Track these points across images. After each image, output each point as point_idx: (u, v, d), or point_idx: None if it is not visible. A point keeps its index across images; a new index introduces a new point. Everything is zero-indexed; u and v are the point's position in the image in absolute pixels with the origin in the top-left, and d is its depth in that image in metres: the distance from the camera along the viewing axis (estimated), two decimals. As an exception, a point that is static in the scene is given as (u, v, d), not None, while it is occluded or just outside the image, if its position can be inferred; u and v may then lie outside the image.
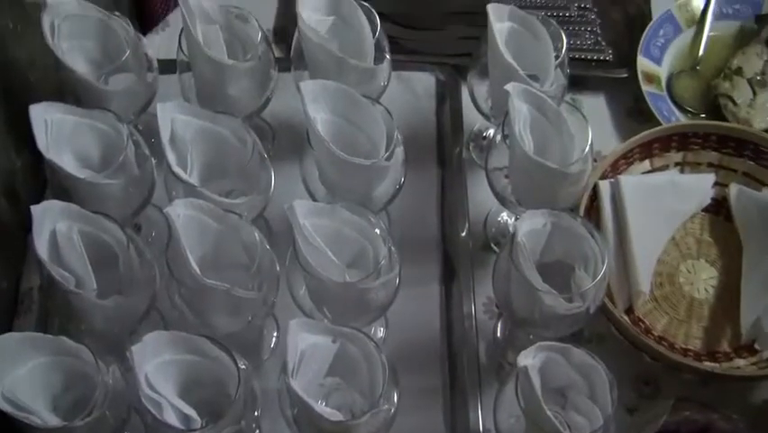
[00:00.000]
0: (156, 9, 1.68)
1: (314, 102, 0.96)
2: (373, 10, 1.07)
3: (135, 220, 1.12)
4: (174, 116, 0.98)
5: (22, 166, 1.19)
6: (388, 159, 0.96)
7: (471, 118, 1.21)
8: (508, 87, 0.96)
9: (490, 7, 1.04)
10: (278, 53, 1.27)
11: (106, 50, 1.10)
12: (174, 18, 1.36)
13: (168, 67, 1.13)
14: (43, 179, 1.16)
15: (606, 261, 0.92)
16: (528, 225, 0.92)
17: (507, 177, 1.06)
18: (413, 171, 1.06)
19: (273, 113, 1.19)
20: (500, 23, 1.04)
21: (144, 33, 1.39)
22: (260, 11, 1.33)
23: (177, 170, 0.96)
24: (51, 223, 0.94)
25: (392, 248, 0.94)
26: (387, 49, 1.08)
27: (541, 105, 0.99)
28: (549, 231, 0.95)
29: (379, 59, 1.08)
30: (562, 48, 1.07)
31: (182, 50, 1.08)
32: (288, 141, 1.20)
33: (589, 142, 0.99)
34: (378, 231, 0.93)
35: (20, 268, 1.18)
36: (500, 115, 1.04)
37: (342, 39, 1.06)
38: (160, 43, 1.33)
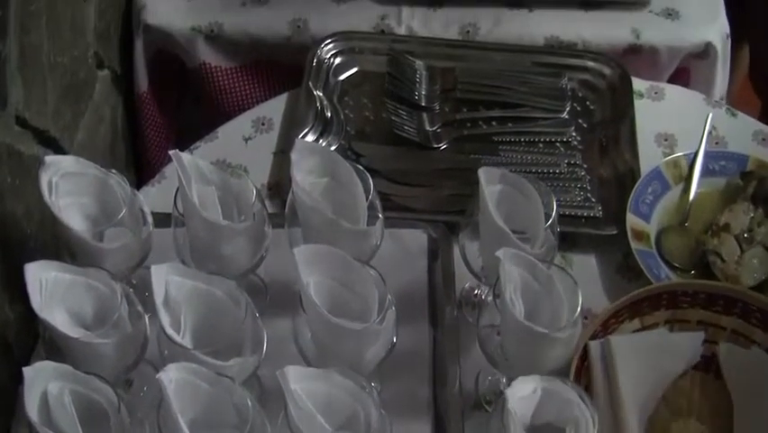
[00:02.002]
0: (152, 159, 1.73)
1: (307, 266, 0.98)
2: (367, 173, 1.09)
3: (127, 376, 1.12)
4: (168, 278, 0.99)
5: (15, 318, 1.20)
6: (380, 322, 0.97)
7: (463, 275, 1.22)
8: (499, 253, 0.98)
9: (482, 171, 1.06)
10: (272, 208, 1.30)
11: (103, 207, 1.12)
12: (170, 170, 1.38)
13: (163, 221, 1.15)
14: (36, 331, 1.16)
15: (596, 425, 0.92)
16: (518, 392, 0.93)
17: (499, 333, 1.07)
18: (404, 329, 1.07)
19: (266, 267, 1.19)
20: (491, 185, 1.06)
21: (140, 183, 1.42)
22: (254, 164, 1.38)
23: (170, 332, 0.96)
24: (43, 384, 0.94)
25: (383, 411, 0.94)
26: (380, 209, 1.10)
27: (532, 269, 1.00)
28: (539, 396, 0.95)
29: (372, 218, 1.10)
30: (552, 210, 1.09)
31: (177, 209, 1.10)
32: (280, 296, 1.20)
33: (579, 306, 0.99)
34: (369, 394, 0.93)
35: (9, 421, 1.17)
36: (491, 274, 1.05)
37: (336, 200, 1.08)
38: (155, 195, 1.34)
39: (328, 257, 0.99)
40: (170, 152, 1.05)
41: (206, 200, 1.07)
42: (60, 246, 1.13)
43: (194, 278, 1.00)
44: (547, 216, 1.08)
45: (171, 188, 1.11)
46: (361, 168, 1.09)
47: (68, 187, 1.10)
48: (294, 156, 1.06)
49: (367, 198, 1.07)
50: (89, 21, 1.50)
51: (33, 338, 1.20)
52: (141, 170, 1.75)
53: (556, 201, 1.10)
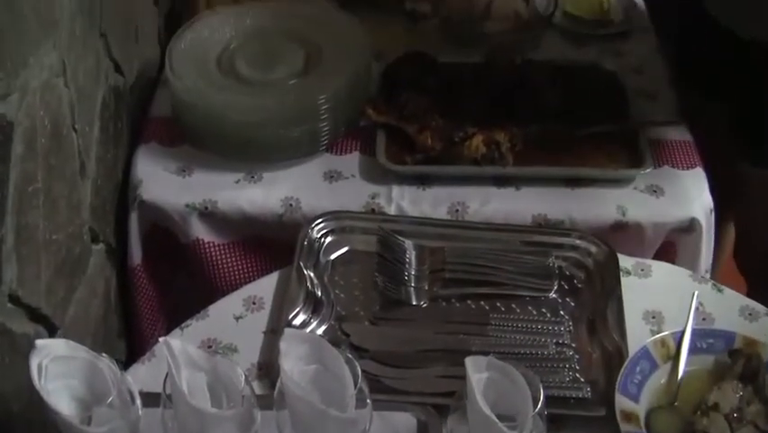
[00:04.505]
0: (144, 331, 1.74)
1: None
2: (355, 361, 1.09)
3: None
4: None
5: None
6: None
7: (452, 458, 1.22)
8: (486, 445, 0.98)
9: (468, 360, 1.07)
10: (262, 389, 1.30)
11: (92, 389, 1.12)
12: (160, 349, 1.38)
13: (152, 400, 1.14)
14: None
15: None
16: None
17: None
18: None
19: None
20: (478, 373, 1.07)
21: (131, 355, 1.42)
22: (245, 344, 1.39)
23: None
24: None
25: None
26: (368, 394, 1.10)
27: (520, 459, 1.00)
28: None
29: (360, 401, 1.10)
30: (540, 395, 1.09)
31: (165, 392, 1.10)
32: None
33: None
34: None
35: None
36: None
37: (325, 386, 1.08)
38: (145, 374, 1.34)
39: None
40: (160, 340, 1.07)
41: (195, 386, 1.07)
42: (48, 428, 1.13)
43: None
44: (535, 402, 1.09)
45: (161, 366, 1.12)
46: (349, 356, 1.10)
47: (58, 370, 1.10)
48: (282, 345, 1.08)
49: (355, 385, 1.08)
50: (86, 197, 1.53)
51: None
52: (133, 342, 1.76)
53: (545, 382, 1.11)
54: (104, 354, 1.13)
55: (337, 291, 1.46)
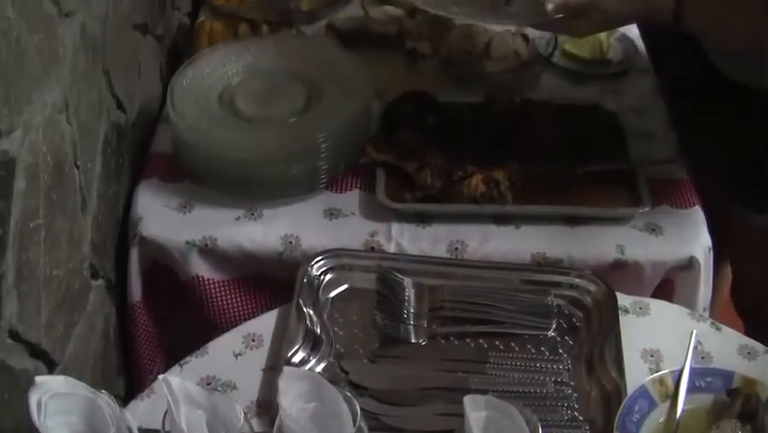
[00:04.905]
0: (143, 368, 1.74)
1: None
2: (353, 399, 1.09)
3: None
4: None
5: None
6: None
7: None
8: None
9: (467, 399, 1.07)
10: (261, 426, 1.30)
11: (91, 425, 1.12)
12: (159, 386, 1.38)
13: (150, 438, 1.15)
14: None
15: None
16: None
17: None
18: None
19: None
20: (476, 412, 1.07)
21: (130, 391, 1.41)
22: (244, 381, 1.39)
23: None
24: None
25: None
26: (367, 431, 1.10)
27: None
28: None
29: (359, 438, 1.10)
30: (538, 434, 1.09)
31: (164, 430, 1.10)
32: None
33: None
34: None
35: None
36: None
37: (323, 424, 1.08)
38: (144, 410, 1.34)
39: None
40: (159, 377, 1.07)
41: (194, 424, 1.07)
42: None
43: None
44: (533, 440, 1.09)
45: (160, 403, 1.12)
46: (348, 393, 1.10)
47: (57, 407, 1.10)
48: (281, 383, 1.07)
49: (354, 423, 1.08)
50: (86, 233, 1.53)
51: None
52: (132, 378, 1.76)
53: (543, 421, 1.11)
54: (103, 391, 1.13)
55: (336, 329, 1.46)
